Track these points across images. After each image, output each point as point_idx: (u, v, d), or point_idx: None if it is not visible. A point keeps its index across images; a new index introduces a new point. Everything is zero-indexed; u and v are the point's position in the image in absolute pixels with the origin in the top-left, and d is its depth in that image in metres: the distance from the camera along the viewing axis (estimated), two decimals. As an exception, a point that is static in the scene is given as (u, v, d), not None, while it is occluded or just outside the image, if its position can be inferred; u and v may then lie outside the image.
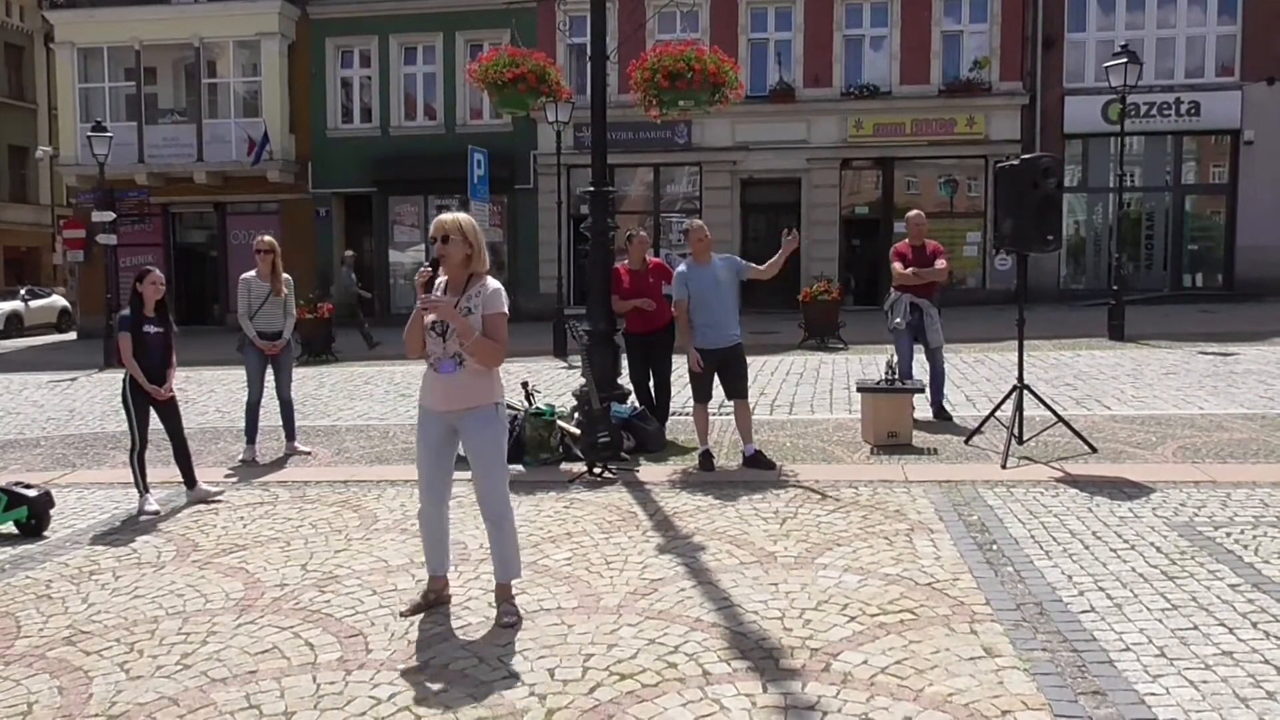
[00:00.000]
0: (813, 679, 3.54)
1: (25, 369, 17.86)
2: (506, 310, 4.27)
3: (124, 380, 6.66)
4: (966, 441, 7.56)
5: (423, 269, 4.23)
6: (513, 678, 3.65)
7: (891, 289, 8.75)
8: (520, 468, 7.26)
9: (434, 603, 4.43)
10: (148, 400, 6.63)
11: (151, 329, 6.60)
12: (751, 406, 7.73)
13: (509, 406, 7.80)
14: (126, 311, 6.63)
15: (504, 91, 10.11)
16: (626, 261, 8.16)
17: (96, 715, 3.52)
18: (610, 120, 8.31)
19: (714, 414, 7.69)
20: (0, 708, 3.61)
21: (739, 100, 10.30)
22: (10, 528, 6.04)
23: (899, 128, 22.79)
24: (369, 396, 11.84)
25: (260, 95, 24.99)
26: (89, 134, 19.48)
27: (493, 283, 4.27)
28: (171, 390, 6.75)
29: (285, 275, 8.17)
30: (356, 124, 25.31)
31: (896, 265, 8.61)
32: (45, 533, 6.05)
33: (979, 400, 9.62)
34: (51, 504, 6.20)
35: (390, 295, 25.35)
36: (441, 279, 4.30)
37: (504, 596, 4.32)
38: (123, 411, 6.79)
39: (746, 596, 4.39)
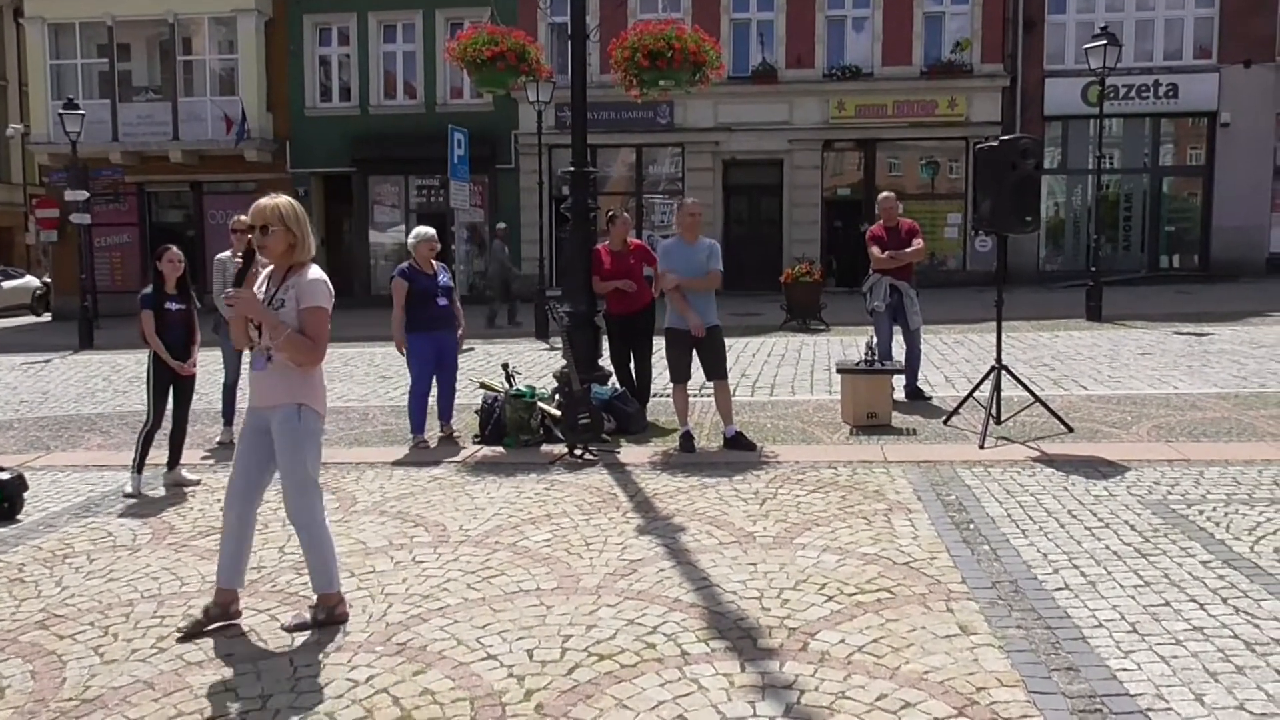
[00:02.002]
0: (790, 658, 3.56)
1: (-1, 350, 17.65)
2: (325, 304, 3.93)
3: (149, 357, 6.61)
4: (945, 422, 7.61)
5: (233, 260, 4.02)
6: (491, 659, 3.65)
7: (870, 271, 8.77)
8: (501, 449, 7.27)
9: (217, 618, 4.03)
10: (170, 379, 6.59)
11: (173, 306, 6.59)
12: (732, 388, 7.75)
13: (489, 387, 7.85)
14: (148, 290, 6.60)
15: (483, 70, 9.99)
16: (608, 243, 8.14)
17: (70, 699, 3.49)
18: (591, 100, 8.27)
19: (694, 395, 7.71)
20: (-28, 692, 3.58)
21: (720, 81, 10.27)
22: (-17, 511, 5.98)
23: (881, 109, 22.79)
24: (349, 377, 11.77)
25: (237, 73, 24.69)
26: (61, 111, 19.21)
27: (313, 273, 3.94)
28: (194, 367, 6.72)
29: (262, 255, 8.09)
30: (335, 103, 25.06)
31: (874, 249, 8.63)
32: (18, 516, 5.99)
33: (958, 381, 9.67)
34: (25, 487, 6.13)
35: (371, 276, 25.19)
36: (267, 267, 4.03)
37: (322, 603, 4.06)
38: (144, 389, 6.73)
39: (725, 577, 4.40)
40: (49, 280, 27.85)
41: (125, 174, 23.68)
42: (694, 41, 9.18)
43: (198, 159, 24.63)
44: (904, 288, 8.57)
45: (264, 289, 4.00)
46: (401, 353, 7.59)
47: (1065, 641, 3.62)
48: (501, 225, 19.71)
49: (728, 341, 7.28)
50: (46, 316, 27.24)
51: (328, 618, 4.04)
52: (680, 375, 7.11)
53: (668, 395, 8.31)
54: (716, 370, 7.09)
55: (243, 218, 8.06)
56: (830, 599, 4.10)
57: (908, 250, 8.52)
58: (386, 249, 25.37)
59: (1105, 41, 15.16)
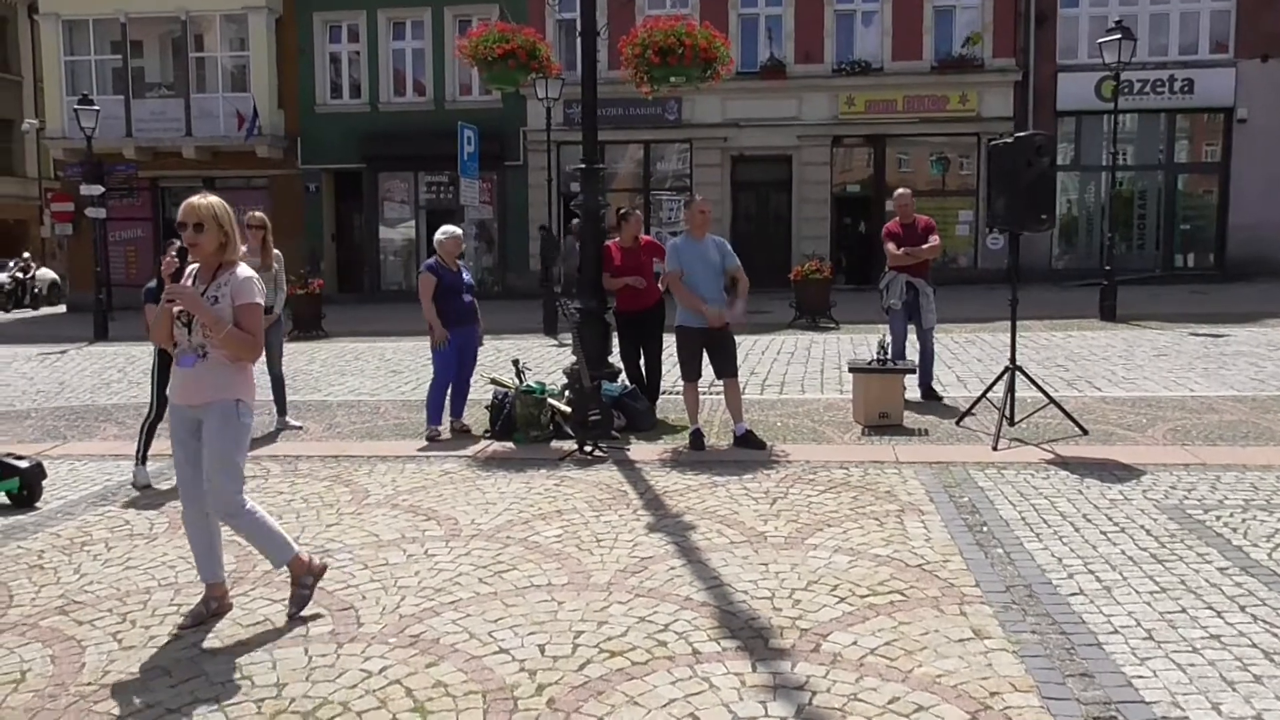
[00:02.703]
0: (802, 659, 3.55)
1: (15, 341, 17.75)
2: (260, 300, 4.03)
3: (154, 351, 6.63)
4: (958, 423, 7.58)
5: (168, 258, 3.96)
6: (503, 653, 3.66)
7: (886, 268, 8.74)
8: (511, 444, 7.29)
9: (217, 612, 4.14)
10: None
11: None
12: (742, 386, 7.73)
13: (499, 383, 7.86)
14: (153, 284, 6.62)
15: (494, 68, 10.02)
16: (618, 239, 8.14)
17: (89, 684, 3.54)
18: (600, 96, 8.26)
19: (704, 393, 7.70)
20: (-7, 676, 3.61)
21: (729, 76, 10.24)
22: (2, 498, 6.04)
23: (890, 104, 22.71)
24: (360, 372, 11.80)
25: (248, 70, 24.74)
26: (75, 107, 19.28)
27: (244, 270, 4.03)
28: None
29: (275, 251, 8.13)
30: (346, 100, 25.09)
31: (889, 246, 8.60)
32: (37, 504, 6.05)
33: (970, 381, 9.64)
34: (43, 475, 6.19)
35: (380, 272, 25.24)
36: (193, 266, 4.05)
37: (293, 580, 4.17)
38: (149, 380, 6.76)
39: (736, 576, 4.41)
40: (62, 273, 27.98)
41: (139, 169, 23.78)
42: (705, 38, 9.18)
43: (210, 155, 24.71)
44: (920, 285, 8.53)
45: (193, 287, 4.00)
46: (441, 347, 7.60)
47: (1080, 647, 3.60)
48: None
49: (736, 339, 7.27)
50: (61, 308, 27.40)
51: (310, 585, 4.20)
52: (691, 373, 7.11)
53: (677, 393, 8.31)
54: (727, 368, 7.08)
55: (257, 213, 8.16)
56: (842, 600, 4.09)
57: (924, 247, 8.48)
58: (396, 245, 25.42)
59: (1120, 36, 15.05)
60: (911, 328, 8.68)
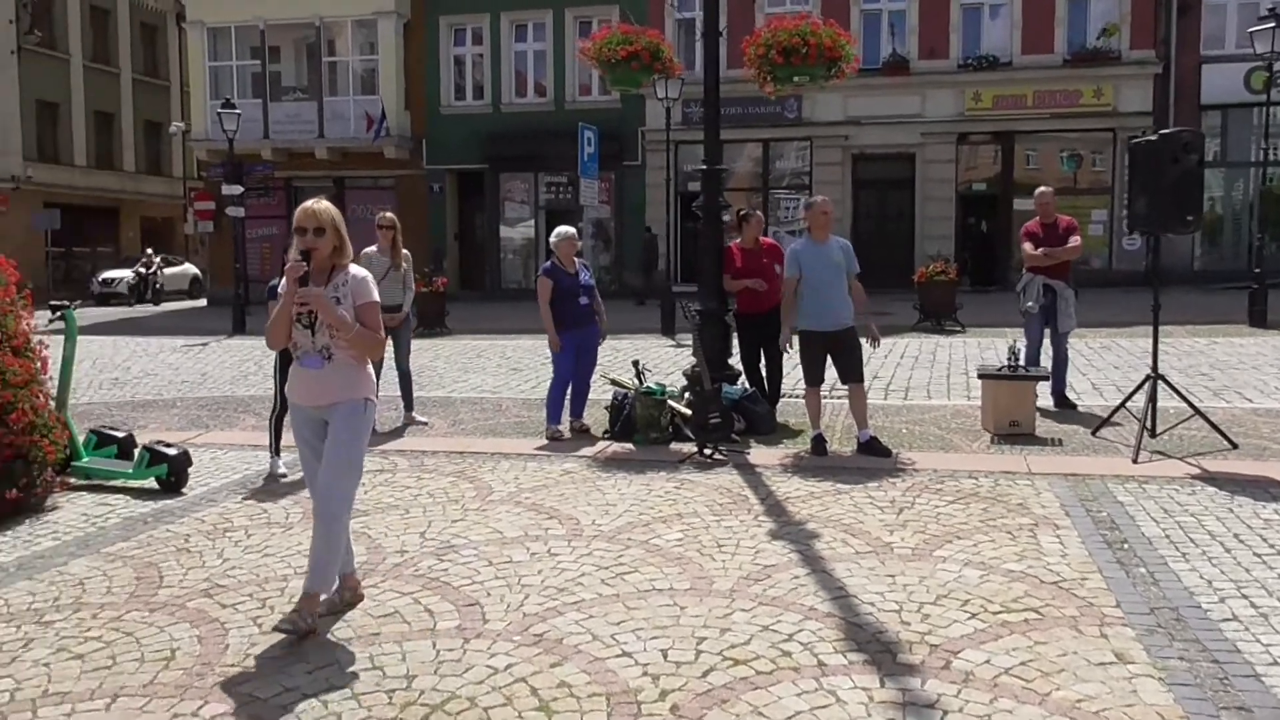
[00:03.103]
0: (932, 676, 3.45)
1: (161, 333, 18.79)
2: (377, 299, 4.10)
3: None
4: (1094, 433, 7.26)
5: (295, 263, 3.95)
6: (626, 656, 3.66)
7: (1024, 270, 8.43)
8: (630, 445, 7.32)
9: (350, 602, 4.22)
10: None
11: None
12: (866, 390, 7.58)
13: (619, 384, 7.91)
14: (275, 282, 6.86)
15: (617, 70, 10.12)
16: (739, 240, 8.08)
17: (232, 665, 3.68)
18: (720, 95, 8.21)
19: (826, 397, 7.58)
20: (147, 652, 3.81)
21: (853, 74, 10.09)
22: (151, 483, 6.37)
23: (1020, 100, 22.01)
24: (481, 369, 12.05)
25: (377, 73, 25.57)
26: (219, 110, 20.26)
27: (359, 271, 4.10)
28: None
29: (404, 250, 8.35)
30: (469, 101, 25.69)
31: (1026, 246, 8.28)
32: (183, 490, 6.35)
33: (1106, 389, 9.23)
34: (189, 462, 6.50)
35: (500, 271, 25.74)
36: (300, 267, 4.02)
37: (306, 605, 3.95)
38: (272, 374, 7.02)
39: (862, 587, 4.31)
40: (204, 268, 29.40)
41: (275, 169, 24.85)
42: (829, 36, 9.07)
43: (340, 155, 25.64)
44: (1059, 287, 8.17)
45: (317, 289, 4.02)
46: (554, 350, 7.71)
47: (1236, 679, 3.39)
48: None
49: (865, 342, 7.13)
50: (202, 301, 28.86)
51: (311, 622, 3.93)
52: (813, 377, 7.00)
53: (797, 396, 8.22)
54: (852, 373, 6.95)
55: (388, 214, 8.39)
56: (973, 616, 3.96)
57: (1064, 248, 8.14)
58: (516, 244, 25.90)
59: (1274, 23, 14.19)
60: (1047, 332, 8.35)
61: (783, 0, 22.24)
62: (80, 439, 6.69)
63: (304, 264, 3.92)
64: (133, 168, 36.53)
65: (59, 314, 6.84)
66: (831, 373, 7.08)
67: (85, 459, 6.61)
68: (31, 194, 30.95)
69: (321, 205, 4.04)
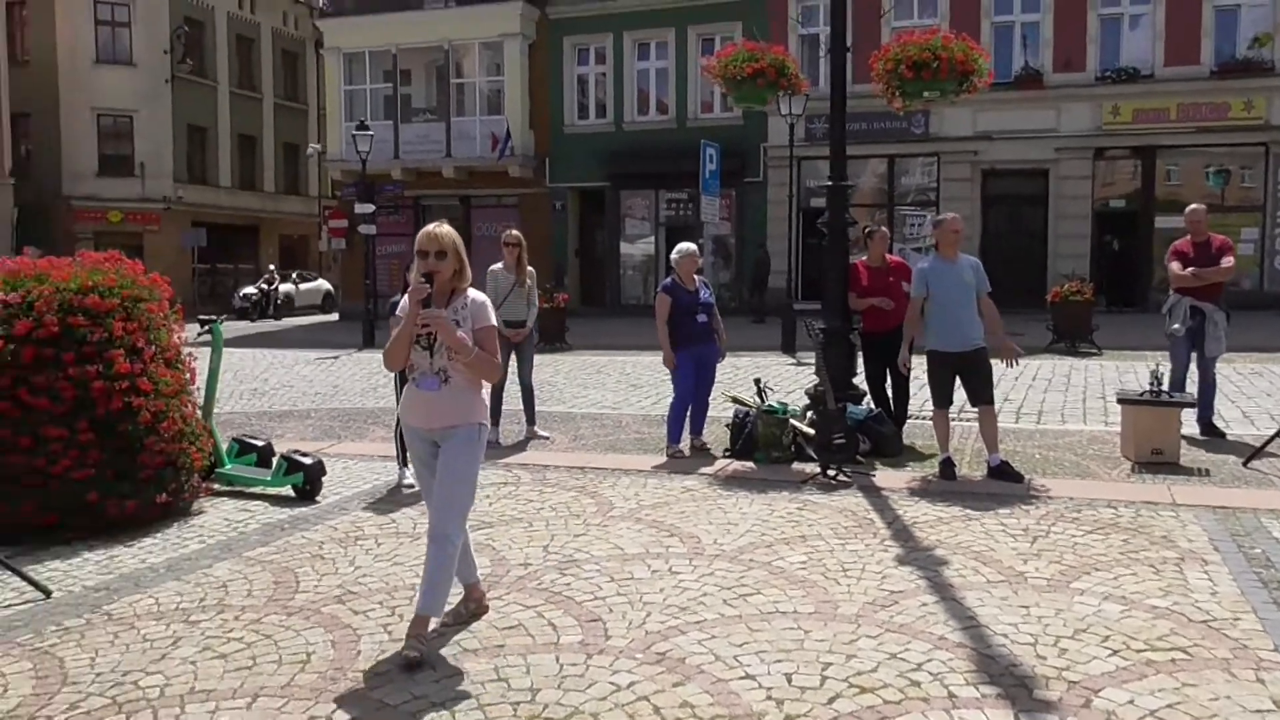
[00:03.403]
0: (1071, 714, 3.30)
1: (295, 346, 19.62)
2: (495, 323, 4.11)
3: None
4: (1245, 464, 6.85)
5: (420, 284, 3.94)
6: (749, 679, 3.61)
7: (1171, 290, 8.03)
8: (751, 464, 7.26)
9: (475, 613, 4.31)
10: None
11: None
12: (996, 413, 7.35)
13: (740, 402, 7.86)
14: (397, 298, 7.06)
15: (742, 87, 10.10)
16: (865, 258, 7.95)
17: (363, 671, 3.78)
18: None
19: (955, 420, 7.37)
20: (285, 654, 3.96)
21: (984, 88, 9.83)
22: (288, 490, 6.64)
23: (1162, 113, 21.04)
24: (601, 385, 12.16)
25: (503, 94, 26.21)
26: (353, 132, 21.10)
27: (478, 295, 4.10)
28: None
29: (529, 267, 8.50)
30: (591, 120, 26.07)
31: (1174, 265, 7.88)
32: (317, 498, 6.59)
33: (1259, 418, 8.71)
34: (323, 472, 6.74)
35: (620, 286, 25.98)
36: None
37: (416, 629, 3.96)
38: (393, 387, 7.24)
39: (994, 618, 4.16)
40: (336, 284, 30.58)
41: (404, 188, 25.70)
42: (961, 50, 8.84)
43: (467, 174, 26.36)
44: (1209, 310, 7.74)
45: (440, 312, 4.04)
46: (669, 367, 7.72)
47: None
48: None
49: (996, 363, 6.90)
50: (334, 316, 30.03)
51: (416, 651, 3.87)
52: (942, 399, 6.81)
53: (924, 417, 8.01)
54: (982, 395, 6.74)
55: (514, 232, 8.56)
56: (1115, 653, 3.77)
57: (1214, 269, 7.71)
58: (635, 260, 26.10)
59: None
60: (1194, 356, 7.92)
61: (910, 13, 21.89)
62: (223, 447, 7.02)
63: (427, 286, 3.92)
64: (272, 188, 38.34)
65: (207, 328, 7.19)
66: (961, 395, 6.89)
67: (228, 466, 6.94)
68: (181, 214, 32.78)
69: (444, 229, 4.05)
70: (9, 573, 4.78)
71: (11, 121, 30.10)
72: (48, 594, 4.69)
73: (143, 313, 6.14)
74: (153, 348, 6.13)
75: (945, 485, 6.54)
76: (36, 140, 32.10)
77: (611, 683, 3.61)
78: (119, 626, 4.30)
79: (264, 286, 31.50)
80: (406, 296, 4.00)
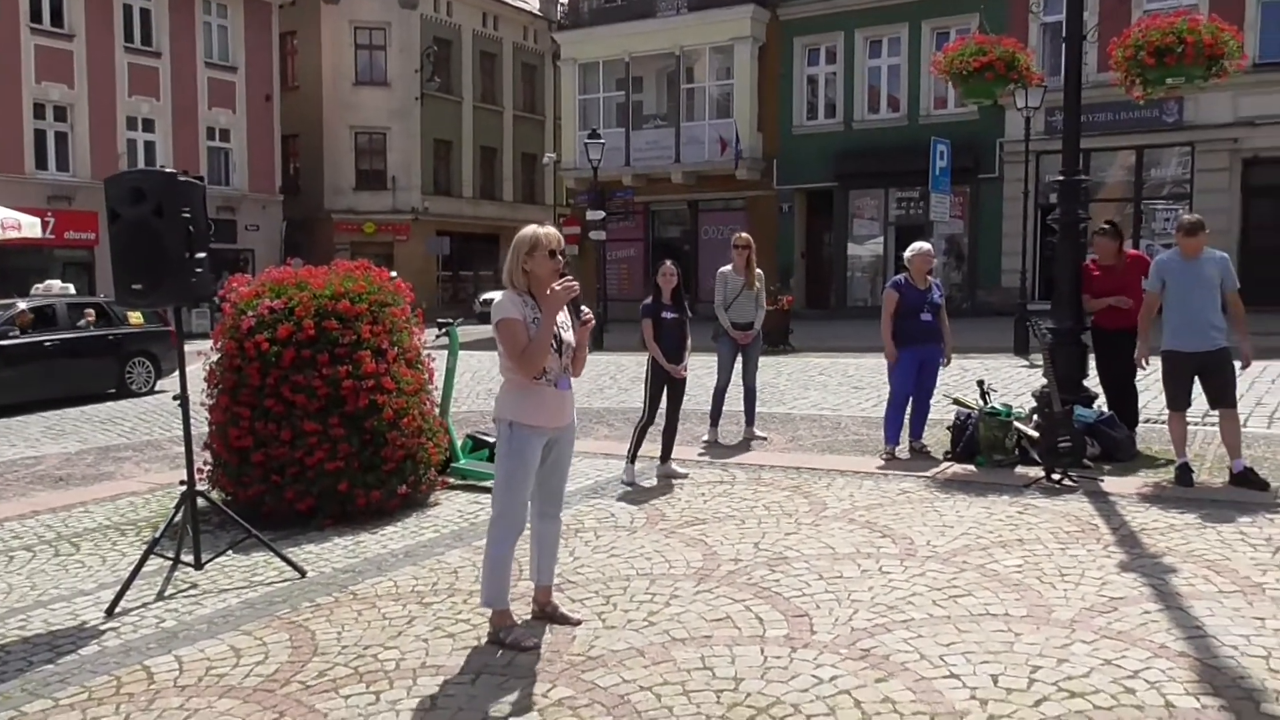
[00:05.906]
0: (1304, 733, 3.13)
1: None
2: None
3: (648, 360, 7.37)
4: None
5: (569, 284, 3.91)
6: (954, 678, 3.62)
7: None
8: (972, 467, 7.13)
9: (551, 615, 4.40)
10: (665, 380, 7.25)
11: (669, 315, 7.25)
12: (1242, 418, 6.84)
13: (962, 404, 7.70)
14: (649, 300, 7.39)
15: (970, 82, 9.83)
16: (1097, 256, 7.60)
17: (578, 655, 4.02)
18: (1087, 101, 7.78)
19: (1194, 424, 6.91)
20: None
21: (1242, 70, 9.08)
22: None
23: None
24: (822, 387, 12.15)
25: (732, 97, 26.51)
26: (586, 141, 22.05)
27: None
28: (686, 370, 7.33)
29: (757, 270, 8.65)
30: (820, 120, 25.92)
31: None
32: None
33: None
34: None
35: (846, 288, 25.67)
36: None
37: (495, 621, 4.22)
38: (642, 387, 7.52)
39: (1223, 629, 3.95)
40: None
41: (635, 194, 26.53)
42: (1210, 33, 8.26)
43: (695, 179, 26.85)
44: None
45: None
46: (890, 361, 7.66)
47: None
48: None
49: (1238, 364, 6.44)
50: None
51: (504, 637, 4.18)
52: (1179, 402, 6.43)
53: (1161, 421, 7.56)
54: (1224, 398, 6.30)
55: (743, 234, 8.73)
56: (1362, 674, 3.52)
57: None
58: (863, 262, 25.72)
59: None
60: None
61: (1164, -5, 20.39)
62: (458, 443, 7.45)
63: (576, 286, 3.96)
64: (511, 197, 40.43)
65: (444, 330, 7.76)
66: (1202, 398, 6.47)
67: (462, 461, 7.34)
68: (427, 224, 35.26)
69: (557, 232, 4.10)
70: (272, 554, 5.36)
71: (282, 142, 33.40)
72: (303, 574, 5.21)
73: (387, 316, 6.61)
74: (395, 349, 6.57)
75: (1180, 491, 6.18)
76: (303, 159, 35.46)
77: (814, 675, 3.69)
78: (362, 605, 4.73)
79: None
80: (546, 300, 3.95)
